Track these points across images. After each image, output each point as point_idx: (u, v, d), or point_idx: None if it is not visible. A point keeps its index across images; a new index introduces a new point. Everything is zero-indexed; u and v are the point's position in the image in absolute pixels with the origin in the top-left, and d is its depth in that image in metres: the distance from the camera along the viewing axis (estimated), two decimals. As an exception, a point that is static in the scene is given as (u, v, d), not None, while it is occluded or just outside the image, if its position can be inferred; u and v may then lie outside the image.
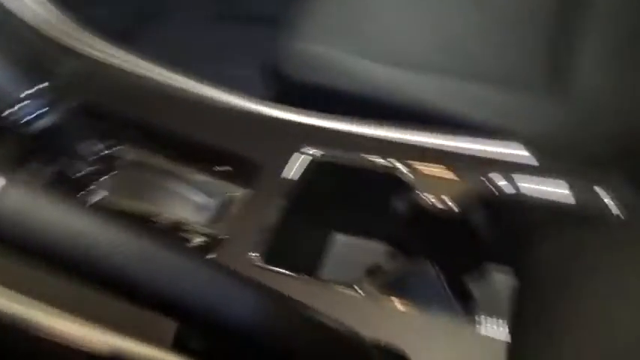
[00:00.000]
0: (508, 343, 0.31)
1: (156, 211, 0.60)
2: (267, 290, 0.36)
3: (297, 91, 0.72)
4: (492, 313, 0.58)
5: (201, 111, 0.64)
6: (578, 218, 0.52)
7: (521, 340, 0.30)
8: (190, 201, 0.60)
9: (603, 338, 0.25)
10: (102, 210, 0.31)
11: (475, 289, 0.61)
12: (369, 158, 0.59)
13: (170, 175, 0.61)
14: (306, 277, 0.57)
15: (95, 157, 0.63)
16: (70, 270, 0.30)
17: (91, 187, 0.62)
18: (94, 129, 0.64)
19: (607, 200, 0.50)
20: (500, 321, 0.47)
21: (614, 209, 0.49)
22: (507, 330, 0.31)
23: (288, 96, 0.71)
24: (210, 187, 0.60)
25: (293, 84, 0.72)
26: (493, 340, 0.46)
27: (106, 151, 0.63)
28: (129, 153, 0.64)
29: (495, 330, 0.47)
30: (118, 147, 0.64)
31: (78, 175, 0.62)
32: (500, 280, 0.62)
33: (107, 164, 0.64)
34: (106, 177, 0.63)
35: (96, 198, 0.62)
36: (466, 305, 0.58)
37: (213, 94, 0.65)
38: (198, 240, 0.55)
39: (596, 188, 0.51)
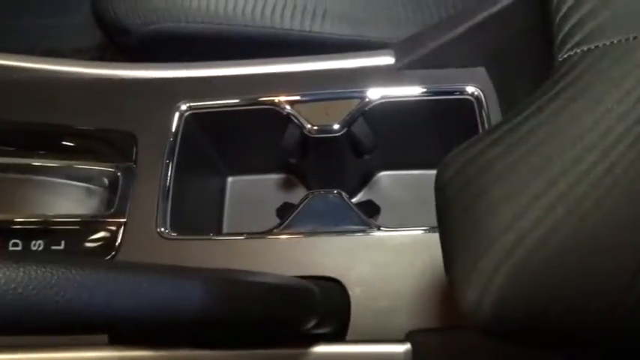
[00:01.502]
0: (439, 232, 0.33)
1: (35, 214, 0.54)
2: (204, 273, 0.36)
3: (146, 45, 0.67)
4: (396, 213, 0.63)
5: (56, 90, 0.58)
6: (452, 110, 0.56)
7: (448, 228, 0.32)
8: (73, 193, 0.55)
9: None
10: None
11: (374, 196, 0.65)
12: (245, 99, 0.58)
13: (40, 172, 0.55)
14: (222, 237, 0.56)
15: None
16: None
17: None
18: None
19: (476, 93, 0.55)
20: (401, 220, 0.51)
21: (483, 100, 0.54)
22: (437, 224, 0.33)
23: (141, 51, 0.67)
24: (90, 173, 0.55)
25: (141, 38, 0.67)
26: (415, 237, 0.49)
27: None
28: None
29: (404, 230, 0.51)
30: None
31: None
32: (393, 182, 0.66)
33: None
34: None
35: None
36: (372, 213, 0.62)
37: (61, 68, 0.59)
38: (99, 235, 0.51)
39: (466, 85, 0.55)
